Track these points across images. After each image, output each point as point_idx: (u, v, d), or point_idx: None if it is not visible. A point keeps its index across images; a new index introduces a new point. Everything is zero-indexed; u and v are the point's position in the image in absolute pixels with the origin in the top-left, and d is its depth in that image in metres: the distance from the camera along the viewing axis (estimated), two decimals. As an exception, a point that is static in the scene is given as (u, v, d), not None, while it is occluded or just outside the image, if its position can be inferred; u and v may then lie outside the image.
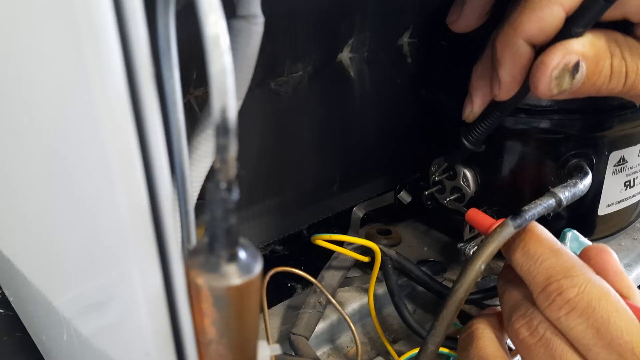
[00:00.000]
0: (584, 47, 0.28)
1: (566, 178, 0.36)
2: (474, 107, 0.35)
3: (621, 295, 0.27)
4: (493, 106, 0.35)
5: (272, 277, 0.36)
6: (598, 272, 0.28)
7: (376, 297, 0.40)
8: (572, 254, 0.29)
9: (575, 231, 0.35)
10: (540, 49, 0.29)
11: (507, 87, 0.32)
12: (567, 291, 0.26)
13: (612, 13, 0.27)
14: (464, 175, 0.42)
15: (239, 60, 0.23)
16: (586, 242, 0.34)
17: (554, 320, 0.27)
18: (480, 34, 0.35)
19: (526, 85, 0.32)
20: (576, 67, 0.27)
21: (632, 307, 0.26)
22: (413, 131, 0.48)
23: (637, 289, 0.29)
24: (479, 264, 0.30)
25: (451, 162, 0.42)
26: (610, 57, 0.28)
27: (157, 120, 0.14)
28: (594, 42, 0.28)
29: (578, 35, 0.28)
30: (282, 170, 0.45)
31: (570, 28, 0.28)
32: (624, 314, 0.26)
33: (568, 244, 0.35)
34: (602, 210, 0.43)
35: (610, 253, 0.30)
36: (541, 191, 0.34)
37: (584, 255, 0.30)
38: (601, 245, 0.31)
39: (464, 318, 0.40)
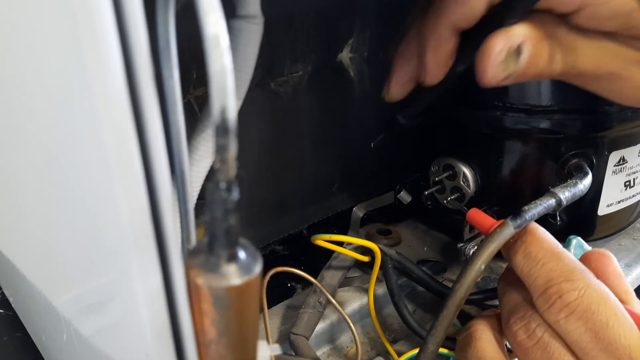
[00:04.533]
0: (525, 29, 0.28)
1: (566, 178, 0.36)
2: (391, 91, 0.35)
3: (619, 299, 0.27)
4: (423, 88, 0.35)
5: (272, 277, 0.36)
6: (598, 276, 0.28)
7: (376, 297, 0.40)
8: (573, 257, 0.29)
9: (579, 238, 0.35)
10: (469, 33, 0.30)
11: (433, 72, 0.32)
12: (567, 294, 0.26)
13: (539, 4, 0.28)
14: (464, 175, 0.42)
15: (239, 60, 0.23)
16: (590, 250, 0.34)
17: (553, 323, 0.27)
18: (479, 33, 0.35)
19: (454, 68, 0.32)
20: (520, 49, 0.28)
21: (631, 313, 0.26)
22: (413, 131, 0.48)
23: (634, 295, 0.29)
24: (479, 264, 0.30)
25: (386, 138, 0.41)
26: (549, 39, 0.28)
27: (157, 120, 0.14)
28: (532, 24, 0.28)
29: (512, 25, 0.28)
30: (282, 170, 0.45)
31: (503, 20, 0.28)
32: (623, 318, 0.26)
33: (572, 250, 0.35)
34: (602, 210, 0.43)
35: (610, 257, 0.30)
36: (541, 191, 0.34)
37: (584, 259, 0.30)
38: (602, 249, 0.31)
39: (464, 318, 0.40)
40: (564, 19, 0.28)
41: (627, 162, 0.41)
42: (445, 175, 0.44)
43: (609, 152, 0.40)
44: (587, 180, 0.36)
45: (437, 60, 0.31)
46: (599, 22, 0.27)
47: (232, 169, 0.14)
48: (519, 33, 0.28)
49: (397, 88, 0.35)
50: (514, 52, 0.28)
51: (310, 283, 0.39)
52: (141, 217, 0.15)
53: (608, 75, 0.29)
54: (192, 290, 0.16)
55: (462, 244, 0.40)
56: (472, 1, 0.28)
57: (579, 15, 0.27)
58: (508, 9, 0.28)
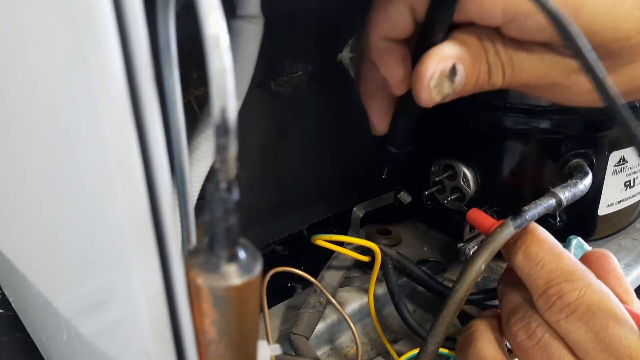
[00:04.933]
0: (457, 49, 0.27)
1: (566, 178, 0.36)
2: (375, 126, 0.34)
3: (620, 300, 0.27)
4: (400, 110, 0.34)
5: (272, 277, 0.36)
6: (598, 276, 0.28)
7: (376, 297, 0.40)
8: (574, 257, 0.29)
9: (579, 238, 0.35)
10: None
11: (393, 82, 0.30)
12: (568, 295, 0.26)
13: (458, 17, 0.27)
14: (464, 175, 0.42)
15: (239, 60, 0.23)
16: (590, 249, 0.34)
17: (553, 323, 0.27)
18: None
19: None
20: (453, 71, 0.27)
21: (631, 313, 0.26)
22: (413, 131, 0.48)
23: (634, 295, 0.29)
24: (479, 264, 0.30)
25: (389, 174, 0.40)
26: (485, 54, 0.28)
27: (157, 120, 0.14)
28: (466, 41, 0.27)
29: (440, 41, 0.27)
30: (282, 170, 0.45)
31: (431, 37, 0.27)
32: (623, 319, 0.26)
33: (572, 250, 0.35)
34: (602, 210, 0.43)
35: (611, 257, 0.30)
36: (541, 191, 0.34)
37: (585, 259, 0.30)
38: (602, 249, 0.31)
39: (465, 318, 0.40)
40: (499, 32, 0.27)
41: (627, 162, 0.41)
42: (445, 175, 0.44)
43: (609, 152, 0.40)
44: (587, 180, 0.36)
45: (390, 70, 0.30)
46: (530, 34, 0.26)
47: (232, 169, 0.14)
48: (450, 54, 0.27)
49: (378, 120, 0.34)
50: (448, 74, 0.27)
51: (310, 283, 0.39)
52: (141, 217, 0.15)
53: (551, 85, 0.28)
54: (192, 290, 0.16)
55: (462, 244, 0.40)
56: (395, 16, 0.28)
57: (508, 29, 0.26)
58: (430, 26, 0.27)
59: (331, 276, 0.41)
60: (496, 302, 0.37)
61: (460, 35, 0.27)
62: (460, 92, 0.28)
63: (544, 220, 0.32)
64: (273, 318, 0.40)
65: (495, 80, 0.28)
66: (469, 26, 0.27)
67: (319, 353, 0.39)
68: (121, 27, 0.13)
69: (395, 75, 0.30)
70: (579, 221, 0.43)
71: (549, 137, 0.39)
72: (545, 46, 0.27)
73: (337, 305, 0.37)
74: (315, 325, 0.38)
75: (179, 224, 0.21)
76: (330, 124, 0.46)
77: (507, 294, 0.31)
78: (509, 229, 0.30)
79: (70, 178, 0.17)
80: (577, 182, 0.35)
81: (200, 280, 0.16)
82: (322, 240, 0.38)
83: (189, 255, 0.16)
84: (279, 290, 0.43)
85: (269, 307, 0.41)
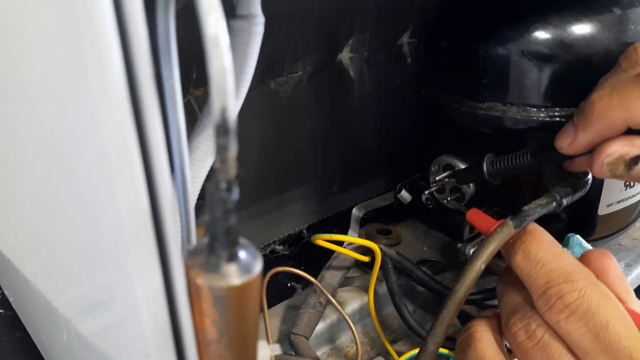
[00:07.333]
0: None
1: (566, 178, 0.36)
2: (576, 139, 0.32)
3: (619, 299, 0.27)
4: (528, 152, 0.35)
5: (272, 277, 0.36)
6: (598, 276, 0.28)
7: (376, 297, 0.40)
8: (573, 258, 0.29)
9: (578, 236, 0.35)
10: None
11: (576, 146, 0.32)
12: (567, 295, 0.26)
13: None
14: (464, 175, 0.42)
15: (239, 60, 0.23)
16: (589, 247, 0.34)
17: (553, 324, 0.27)
18: (479, 33, 0.35)
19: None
20: (635, 160, 0.29)
21: (631, 313, 0.26)
22: (413, 131, 0.48)
23: (634, 295, 0.29)
24: (479, 264, 0.30)
25: (460, 182, 0.42)
26: None
27: (157, 120, 0.14)
28: None
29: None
30: (282, 170, 0.45)
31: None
32: (623, 319, 0.26)
33: (571, 248, 0.35)
34: (602, 210, 0.43)
35: (610, 257, 0.30)
36: (541, 191, 0.34)
37: (584, 258, 0.30)
38: (602, 249, 0.31)
39: (464, 318, 0.40)
40: None
41: (627, 162, 0.41)
42: (445, 175, 0.44)
43: (609, 152, 0.40)
44: (587, 180, 0.36)
45: (588, 139, 0.31)
46: None
47: (232, 169, 0.14)
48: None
49: (578, 146, 0.32)
50: (627, 160, 0.29)
51: (310, 283, 0.39)
52: (141, 217, 0.15)
53: None
54: (192, 290, 0.16)
55: (462, 244, 0.40)
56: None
57: None
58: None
59: (331, 276, 0.41)
60: (496, 302, 0.37)
61: None
62: (630, 179, 0.30)
63: (544, 220, 0.32)
64: (273, 318, 0.40)
65: None
66: None
67: (319, 353, 0.39)
68: (121, 27, 0.13)
69: (584, 144, 0.31)
70: (579, 221, 0.43)
71: (549, 136, 0.39)
72: None
73: (337, 305, 0.37)
74: (315, 325, 0.38)
75: (179, 224, 0.21)
76: (330, 123, 0.46)
77: (507, 294, 0.31)
78: (509, 229, 0.30)
79: (70, 178, 0.17)
80: (577, 181, 0.35)
81: (200, 280, 0.16)
82: (322, 240, 0.38)
83: (189, 255, 0.16)
84: (279, 290, 0.43)
85: (269, 307, 0.41)
